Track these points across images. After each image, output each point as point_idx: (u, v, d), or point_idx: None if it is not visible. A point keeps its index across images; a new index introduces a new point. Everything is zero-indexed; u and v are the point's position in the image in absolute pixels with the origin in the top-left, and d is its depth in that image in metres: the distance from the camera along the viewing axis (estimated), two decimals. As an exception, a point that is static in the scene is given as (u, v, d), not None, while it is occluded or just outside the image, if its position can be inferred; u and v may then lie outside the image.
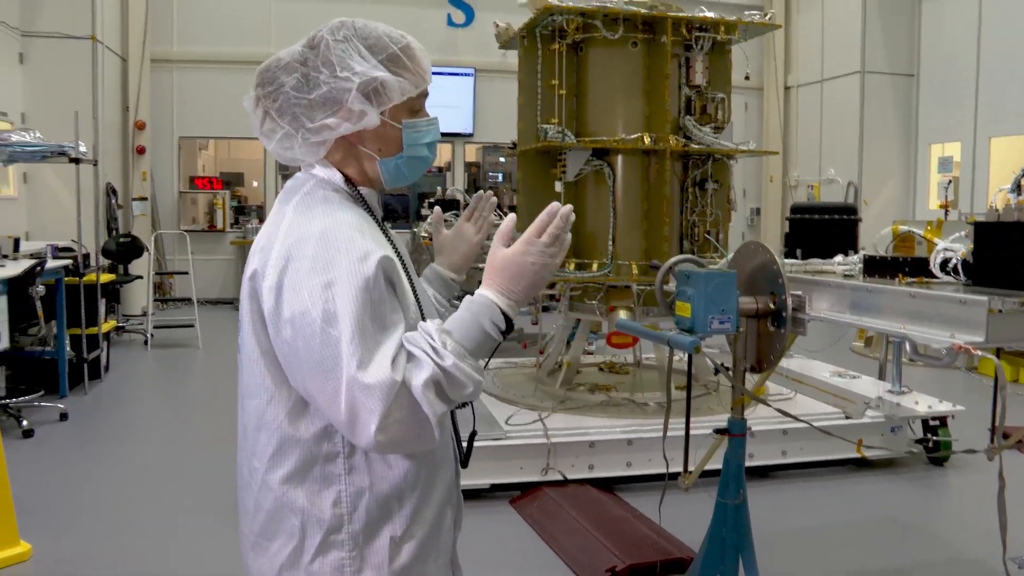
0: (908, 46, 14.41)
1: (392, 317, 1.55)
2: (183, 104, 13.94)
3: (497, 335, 1.60)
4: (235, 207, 14.91)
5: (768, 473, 5.57)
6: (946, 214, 11.77)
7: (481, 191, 2.16)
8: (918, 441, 5.91)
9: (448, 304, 2.10)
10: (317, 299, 1.49)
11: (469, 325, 1.58)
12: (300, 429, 1.64)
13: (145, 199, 13.20)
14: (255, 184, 16.60)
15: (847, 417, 5.78)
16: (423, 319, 1.68)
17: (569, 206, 1.65)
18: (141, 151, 13.18)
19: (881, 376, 6.86)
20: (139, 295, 11.86)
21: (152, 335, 10.27)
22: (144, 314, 10.94)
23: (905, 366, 6.62)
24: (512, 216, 1.74)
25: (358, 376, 1.45)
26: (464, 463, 1.89)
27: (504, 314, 1.61)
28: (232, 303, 13.91)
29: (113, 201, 12.14)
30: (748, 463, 4.73)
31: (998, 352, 4.80)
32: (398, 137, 1.74)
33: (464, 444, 1.94)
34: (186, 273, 10.86)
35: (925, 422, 5.93)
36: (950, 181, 12.75)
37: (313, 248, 1.54)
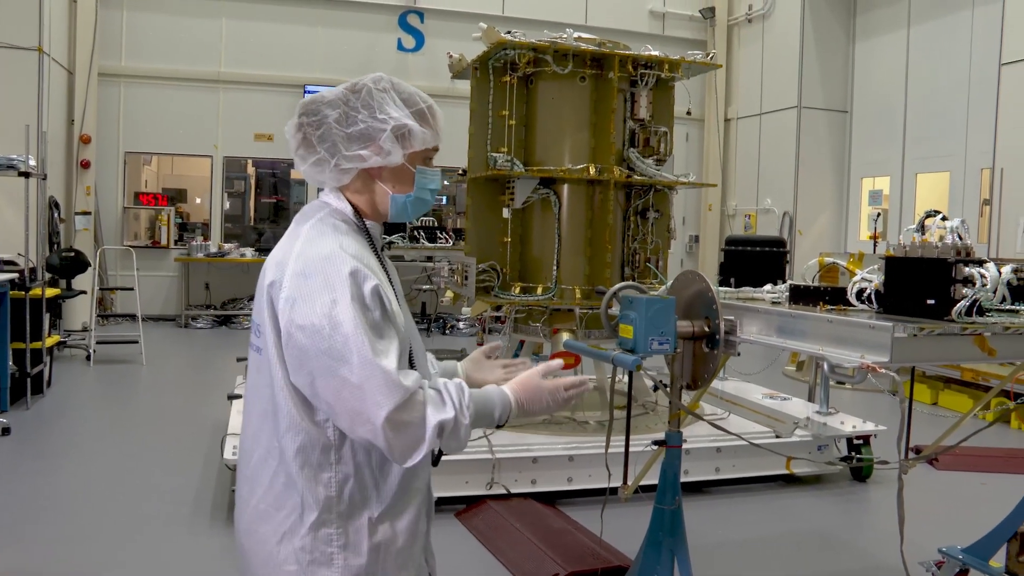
0: (842, 84, 14.99)
1: (388, 331, 1.85)
2: (130, 119, 13.90)
3: (493, 424, 2.01)
4: (178, 224, 14.87)
5: (702, 489, 5.84)
6: (875, 245, 12.28)
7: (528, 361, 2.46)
8: (843, 459, 6.24)
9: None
10: (327, 310, 1.80)
11: (484, 406, 1.97)
12: (306, 419, 1.91)
13: (88, 213, 13.12)
14: (198, 201, 16.56)
15: (777, 436, 6.08)
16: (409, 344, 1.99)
17: (593, 384, 2.10)
18: (86, 165, 13.12)
19: (810, 398, 7.19)
20: (80, 310, 11.77)
21: (94, 351, 10.22)
22: (86, 329, 10.88)
23: (833, 389, 6.97)
24: (560, 361, 2.23)
25: (373, 359, 1.77)
26: (435, 462, 2.11)
27: (503, 413, 2.01)
28: (175, 320, 13.86)
29: (56, 215, 12.05)
30: (684, 479, 4.98)
31: (912, 378, 5.12)
32: (411, 178, 2.06)
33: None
34: (131, 289, 10.82)
35: (850, 441, 6.27)
36: (879, 214, 13.31)
37: (322, 267, 1.84)
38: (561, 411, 2.06)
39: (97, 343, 10.32)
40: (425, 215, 13.22)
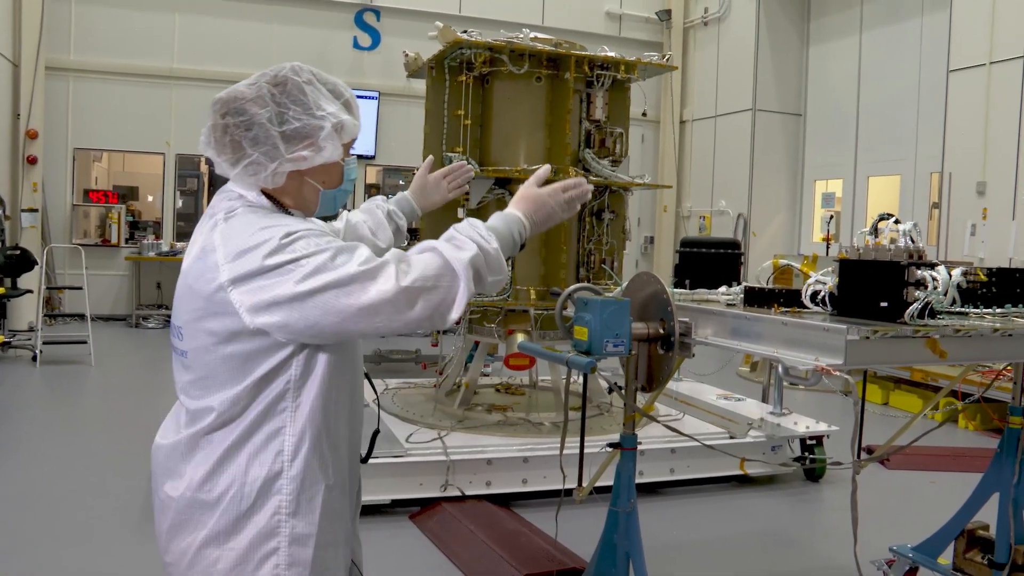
0: (796, 87, 15.18)
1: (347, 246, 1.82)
2: (79, 114, 13.63)
3: (518, 244, 2.01)
4: (129, 222, 14.61)
5: (657, 490, 5.85)
6: (828, 247, 12.43)
7: (463, 162, 2.53)
8: (796, 459, 6.29)
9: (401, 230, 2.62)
10: (292, 283, 1.75)
11: (503, 230, 1.97)
12: (254, 400, 1.85)
13: (36, 211, 12.83)
14: (150, 199, 16.29)
15: (731, 437, 6.11)
16: None
17: (590, 186, 2.14)
18: (32, 161, 12.83)
19: (764, 399, 7.25)
20: (26, 310, 11.47)
21: (41, 351, 9.99)
22: (32, 329, 10.62)
23: (786, 390, 7.03)
24: (547, 166, 2.22)
25: (357, 268, 1.75)
26: (365, 459, 2.11)
27: (520, 231, 2.01)
28: (125, 320, 13.62)
29: (1, 212, 11.78)
30: (638, 480, 4.97)
31: (864, 379, 5.18)
32: (339, 172, 2.02)
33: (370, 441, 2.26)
34: (80, 288, 10.59)
35: (803, 441, 6.32)
36: (832, 216, 13.48)
37: (263, 236, 1.79)
38: (569, 214, 2.11)
39: (44, 343, 10.08)
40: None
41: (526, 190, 2.08)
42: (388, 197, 2.67)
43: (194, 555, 1.86)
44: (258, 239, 1.77)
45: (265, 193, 1.95)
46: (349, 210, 2.54)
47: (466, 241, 1.85)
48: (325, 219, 2.23)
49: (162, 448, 2.00)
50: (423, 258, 1.81)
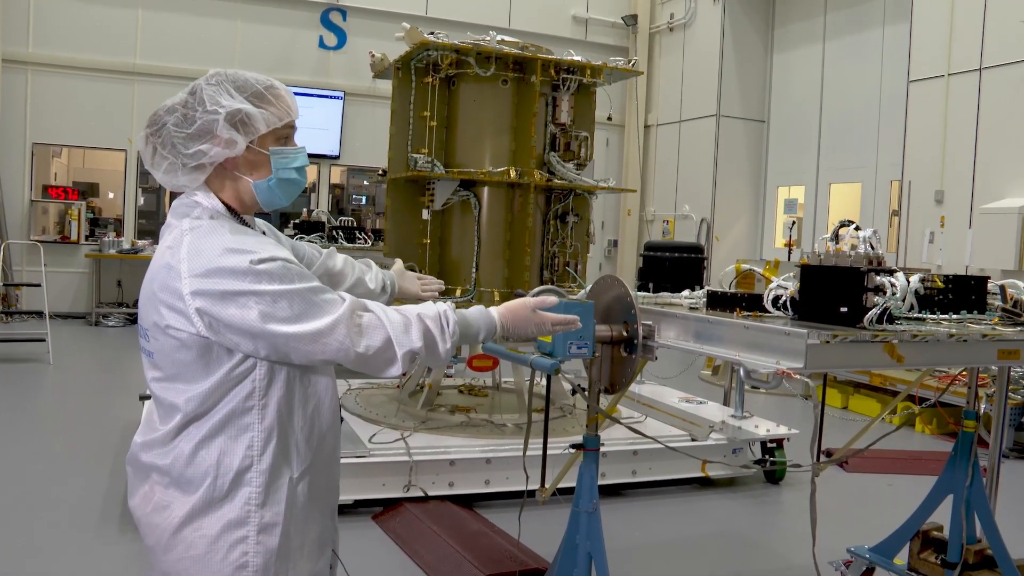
0: (760, 94, 15.34)
1: (315, 290, 1.95)
2: (38, 109, 13.40)
3: (477, 342, 2.15)
4: (90, 219, 14.40)
5: (619, 491, 5.88)
6: (789, 252, 12.59)
7: (439, 285, 2.90)
8: (757, 461, 6.35)
9: None
10: (253, 310, 1.85)
11: (473, 327, 2.10)
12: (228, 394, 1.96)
13: (-8, 207, 12.63)
14: (111, 196, 16.08)
15: (693, 439, 6.16)
16: None
17: (578, 324, 2.31)
18: (-11, 156, 12.62)
19: (726, 402, 7.32)
20: (-19, 307, 11.32)
21: (-3, 349, 9.84)
22: (-12, 327, 10.47)
23: (748, 393, 7.10)
24: (554, 299, 2.33)
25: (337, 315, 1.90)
26: None
27: (488, 335, 2.15)
28: (85, 317, 13.43)
29: (-43, 208, 11.58)
30: (601, 481, 5.00)
31: (824, 383, 5.26)
32: (267, 161, 2.07)
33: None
34: (38, 285, 10.43)
35: (763, 444, 6.39)
36: (794, 222, 13.66)
37: (231, 262, 1.87)
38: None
39: (0, 341, 9.92)
40: (344, 215, 13.12)
41: (521, 308, 2.20)
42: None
43: (168, 539, 1.97)
44: (225, 262, 1.86)
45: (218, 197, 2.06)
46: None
47: (420, 334, 1.98)
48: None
49: (141, 445, 2.07)
50: (374, 331, 1.94)
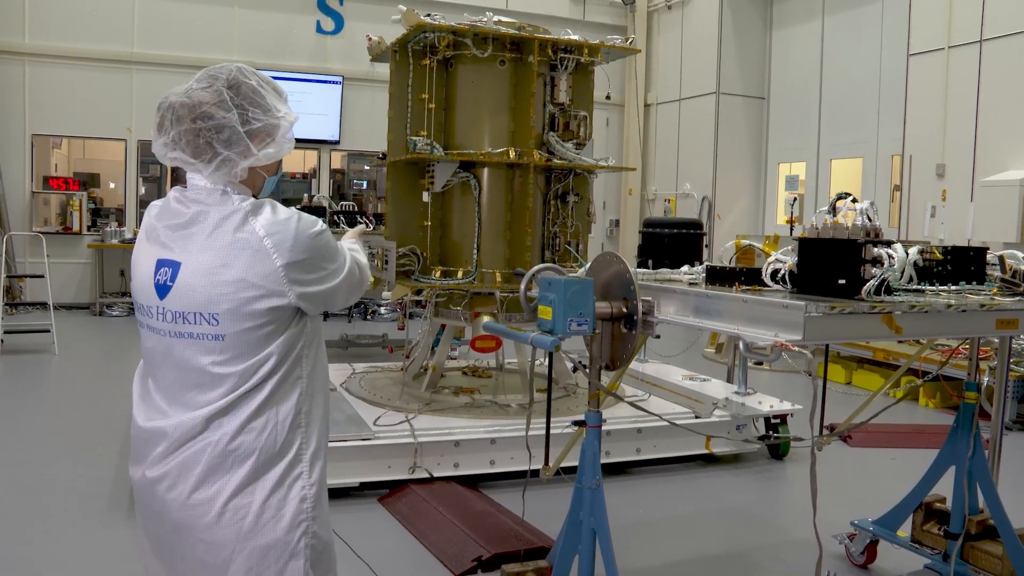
0: (760, 71, 15.28)
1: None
2: (37, 99, 13.39)
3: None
4: (91, 209, 14.41)
5: (624, 470, 5.91)
6: (791, 229, 12.58)
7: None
8: (761, 437, 6.38)
9: None
10: (334, 272, 2.20)
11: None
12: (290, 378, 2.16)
13: (-7, 198, 12.64)
14: (112, 186, 16.07)
15: (697, 416, 6.18)
16: None
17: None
18: (-12, 147, 12.62)
19: (729, 379, 7.34)
20: (-15, 299, 11.32)
21: (2, 340, 9.85)
22: (-8, 319, 10.49)
23: (751, 370, 7.12)
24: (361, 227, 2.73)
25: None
26: None
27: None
28: (89, 308, 13.46)
29: (-43, 200, 11.59)
30: (605, 460, 5.04)
31: (826, 358, 5.25)
32: (280, 161, 2.27)
33: None
34: (41, 276, 10.45)
35: (767, 420, 6.41)
36: (795, 198, 13.64)
37: (307, 233, 2.11)
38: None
39: (5, 332, 9.95)
40: (345, 200, 13.12)
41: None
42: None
43: (230, 495, 2.06)
44: (302, 235, 2.07)
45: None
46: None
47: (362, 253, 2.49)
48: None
49: (174, 424, 2.11)
50: (364, 260, 2.43)
